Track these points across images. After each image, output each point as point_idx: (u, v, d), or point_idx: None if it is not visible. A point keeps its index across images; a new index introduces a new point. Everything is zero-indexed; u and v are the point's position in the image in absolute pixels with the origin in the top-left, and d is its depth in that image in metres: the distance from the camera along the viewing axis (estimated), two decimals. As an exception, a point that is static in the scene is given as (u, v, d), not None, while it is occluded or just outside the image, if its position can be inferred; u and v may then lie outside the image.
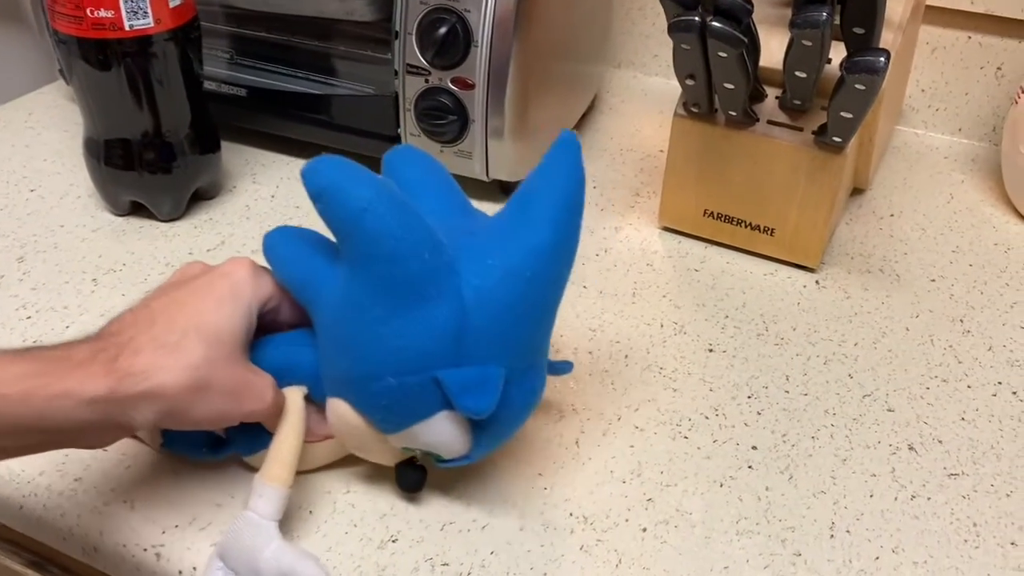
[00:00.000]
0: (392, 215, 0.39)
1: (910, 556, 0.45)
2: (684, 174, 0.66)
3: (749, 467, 0.50)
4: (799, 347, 0.59)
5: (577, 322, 0.60)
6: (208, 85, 0.73)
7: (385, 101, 0.70)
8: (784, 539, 0.46)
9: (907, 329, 0.61)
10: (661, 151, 0.75)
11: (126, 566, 0.45)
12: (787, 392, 0.55)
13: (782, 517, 0.47)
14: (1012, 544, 0.46)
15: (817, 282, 0.65)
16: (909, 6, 0.65)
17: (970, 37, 0.81)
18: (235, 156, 0.77)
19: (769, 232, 0.65)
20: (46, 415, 0.36)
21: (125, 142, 0.65)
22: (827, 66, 0.58)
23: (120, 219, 0.69)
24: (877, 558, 0.45)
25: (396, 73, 0.67)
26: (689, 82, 0.60)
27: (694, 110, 0.63)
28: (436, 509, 0.47)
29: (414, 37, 0.65)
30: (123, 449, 0.49)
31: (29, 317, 0.59)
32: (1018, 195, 0.73)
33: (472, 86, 0.65)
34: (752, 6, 0.54)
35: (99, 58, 0.60)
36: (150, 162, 0.65)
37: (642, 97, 0.92)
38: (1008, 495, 0.49)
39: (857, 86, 0.53)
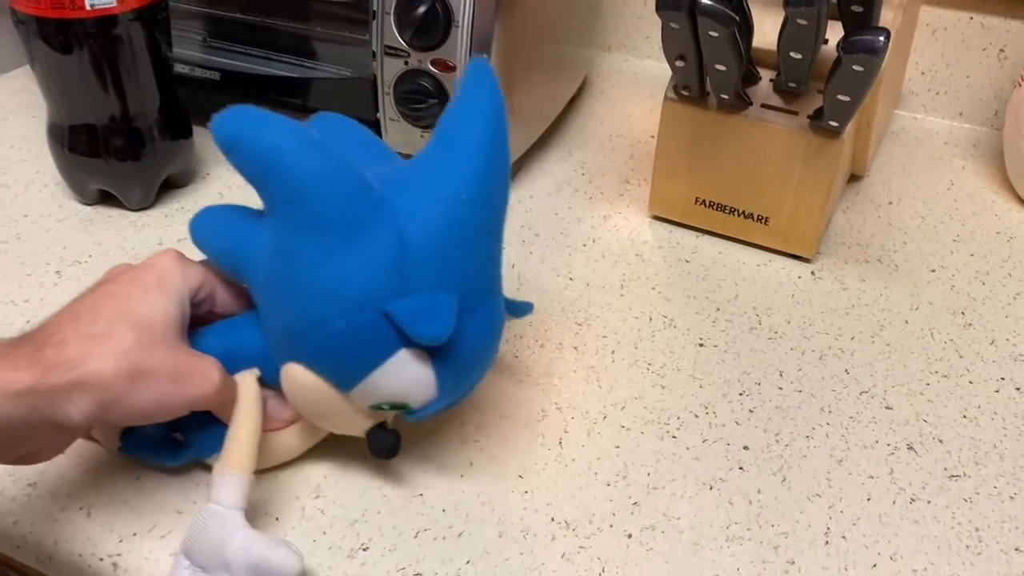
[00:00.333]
0: (308, 153, 0.39)
1: (909, 563, 0.43)
2: (675, 160, 0.64)
3: (740, 468, 0.48)
4: (793, 341, 0.57)
5: (563, 316, 0.58)
6: (180, 68, 0.70)
7: (363, 84, 0.67)
8: (776, 546, 0.44)
9: (906, 322, 0.59)
10: (652, 137, 0.73)
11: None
12: (780, 389, 0.53)
13: (775, 522, 0.45)
14: (1016, 550, 0.44)
15: (812, 273, 0.63)
16: (909, -16, 0.63)
17: (972, 18, 0.79)
18: (208, 142, 0.72)
19: (763, 221, 0.63)
20: None
21: (91, 128, 0.62)
22: (824, 47, 0.57)
23: (88, 208, 0.67)
24: (875, 566, 0.43)
25: (374, 55, 0.65)
26: (679, 64, 0.58)
27: (685, 93, 0.61)
28: (410, 515, 0.45)
29: (392, 17, 0.62)
30: (81, 452, 0.46)
31: (-12, 311, 0.56)
32: (1021, 181, 0.72)
33: (453, 68, 0.63)
34: (745, -17, 0.53)
35: (60, 39, 0.57)
36: (118, 149, 0.63)
37: (633, 81, 0.90)
38: (1012, 498, 0.47)
39: (855, 67, 0.52)
